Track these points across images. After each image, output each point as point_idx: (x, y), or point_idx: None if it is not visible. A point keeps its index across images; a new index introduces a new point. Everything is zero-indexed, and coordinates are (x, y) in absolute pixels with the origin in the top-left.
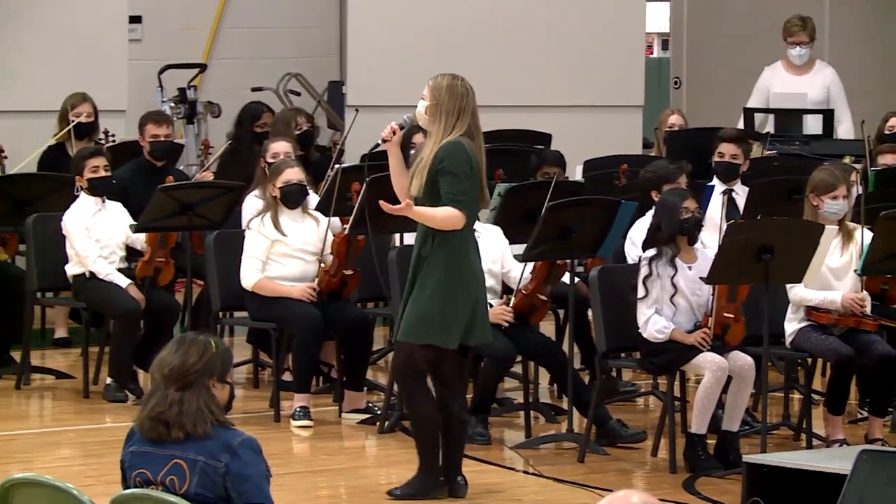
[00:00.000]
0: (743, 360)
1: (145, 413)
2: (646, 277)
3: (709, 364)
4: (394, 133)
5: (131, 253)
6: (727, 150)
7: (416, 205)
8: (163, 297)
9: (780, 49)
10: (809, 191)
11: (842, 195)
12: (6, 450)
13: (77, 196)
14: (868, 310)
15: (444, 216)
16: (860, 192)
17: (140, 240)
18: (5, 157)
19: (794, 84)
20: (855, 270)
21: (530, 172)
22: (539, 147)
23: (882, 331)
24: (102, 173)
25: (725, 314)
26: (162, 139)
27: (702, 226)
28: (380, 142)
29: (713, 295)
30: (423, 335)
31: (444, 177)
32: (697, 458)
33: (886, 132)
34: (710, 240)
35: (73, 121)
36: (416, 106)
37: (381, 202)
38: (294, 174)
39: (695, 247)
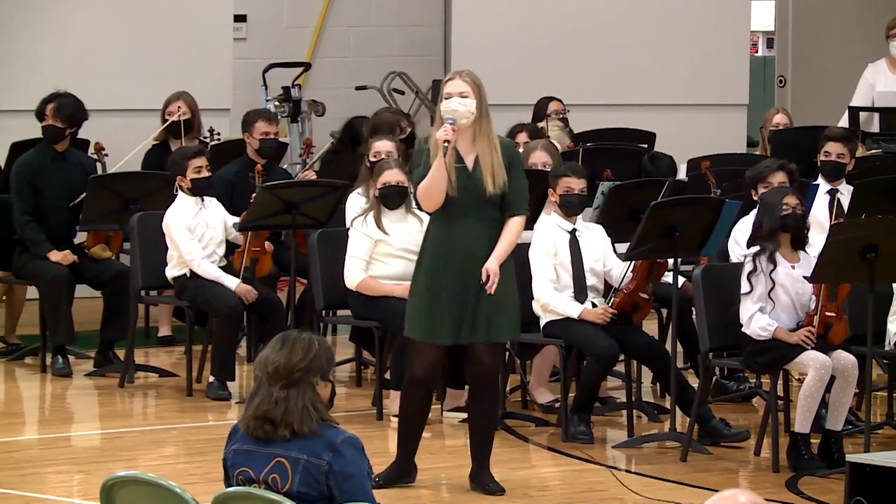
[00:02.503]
0: (846, 359)
1: (250, 412)
2: (750, 273)
3: (812, 362)
4: (454, 132)
5: (229, 248)
6: (833, 150)
7: (492, 201)
8: (271, 297)
9: (886, 48)
10: None
11: None
12: (110, 447)
13: (175, 195)
14: None
15: (518, 231)
16: None
17: (234, 233)
18: (106, 155)
19: None
20: None
21: (636, 172)
22: (643, 146)
23: None
24: (205, 173)
25: (827, 313)
26: (272, 137)
27: (805, 224)
28: (446, 144)
29: (814, 294)
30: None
31: (516, 179)
32: (801, 457)
33: None
34: (814, 239)
35: (168, 119)
36: (462, 104)
37: (490, 271)
38: (393, 176)
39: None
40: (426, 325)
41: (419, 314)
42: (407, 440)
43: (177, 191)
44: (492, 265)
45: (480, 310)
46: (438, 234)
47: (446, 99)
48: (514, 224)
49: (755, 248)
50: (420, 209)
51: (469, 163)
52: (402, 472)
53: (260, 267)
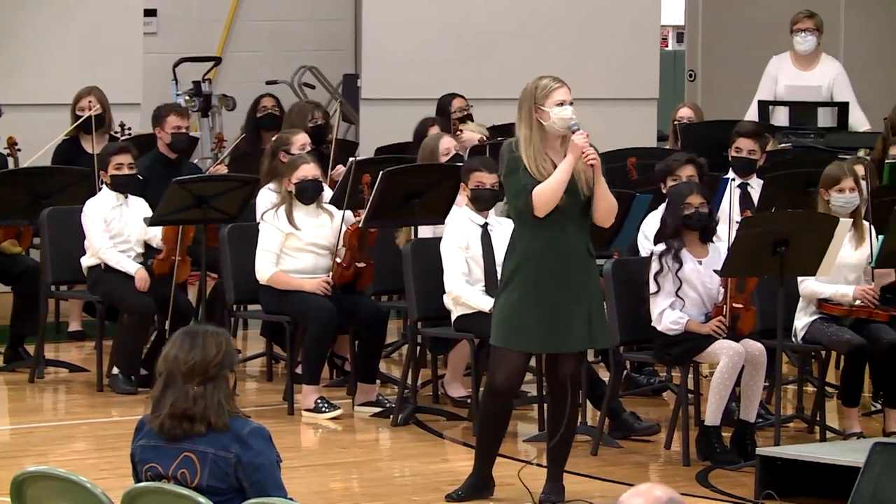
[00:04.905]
0: (753, 346)
1: (165, 412)
2: (657, 273)
3: (725, 350)
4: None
5: (148, 249)
6: (744, 146)
7: (586, 204)
8: (181, 299)
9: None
10: (820, 186)
11: (848, 188)
12: (21, 443)
13: (100, 189)
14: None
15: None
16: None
17: (157, 237)
18: (19, 150)
19: (801, 78)
20: (869, 264)
21: None
22: None
23: None
24: (126, 171)
25: (735, 304)
26: (184, 131)
27: (712, 221)
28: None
29: (722, 286)
30: None
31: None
32: (713, 450)
33: None
34: (725, 233)
35: (80, 115)
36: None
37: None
38: (309, 170)
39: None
40: (516, 333)
41: (509, 322)
42: (484, 452)
43: (101, 185)
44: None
45: (581, 318)
46: (532, 242)
47: (559, 106)
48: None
49: (661, 248)
50: (533, 214)
51: None
52: (480, 486)
53: (179, 273)
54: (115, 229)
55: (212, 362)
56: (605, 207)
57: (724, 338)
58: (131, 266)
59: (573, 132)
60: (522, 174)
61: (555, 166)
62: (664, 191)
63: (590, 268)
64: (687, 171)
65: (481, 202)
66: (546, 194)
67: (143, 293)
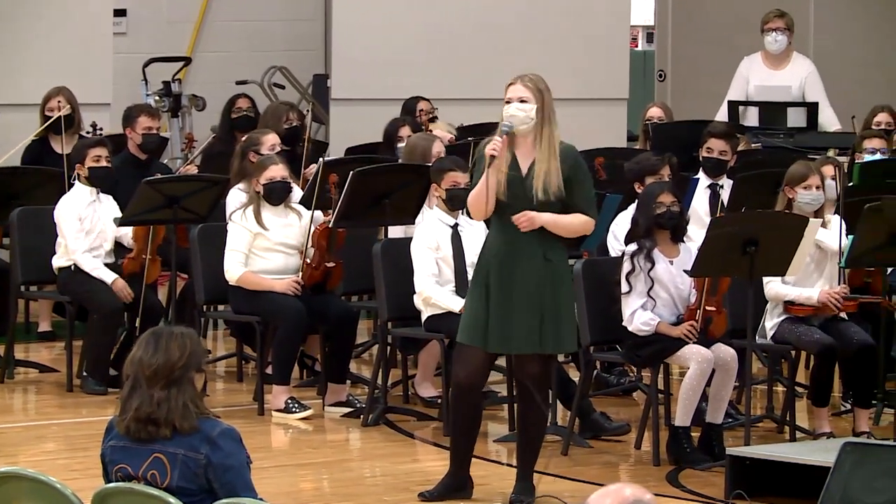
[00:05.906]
0: (725, 351)
1: (130, 415)
2: (628, 273)
3: (694, 356)
4: (503, 145)
5: (119, 248)
6: (716, 146)
7: (543, 210)
8: (151, 299)
9: (763, 41)
10: (784, 184)
11: (814, 185)
12: None
13: (72, 185)
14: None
15: (582, 223)
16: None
17: (128, 236)
18: None
19: (772, 78)
20: (839, 264)
21: None
22: None
23: (866, 323)
24: (104, 164)
25: (707, 307)
26: (154, 132)
27: (684, 220)
28: (492, 158)
29: (695, 288)
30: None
31: (579, 184)
32: (683, 450)
33: (874, 126)
34: (695, 233)
35: (49, 115)
36: (521, 109)
37: (526, 216)
38: (278, 171)
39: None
40: (473, 329)
41: (468, 319)
42: (458, 451)
43: (74, 179)
44: (532, 214)
45: (528, 321)
46: (493, 242)
47: (506, 104)
48: (579, 215)
49: (633, 247)
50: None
51: (524, 169)
52: (456, 486)
53: (149, 273)
54: (89, 226)
55: (175, 365)
56: (565, 234)
57: (694, 342)
58: (108, 276)
59: (504, 133)
60: (477, 176)
61: (517, 166)
62: (639, 190)
63: (545, 274)
64: (668, 171)
65: (456, 201)
66: (469, 202)
67: (112, 294)
